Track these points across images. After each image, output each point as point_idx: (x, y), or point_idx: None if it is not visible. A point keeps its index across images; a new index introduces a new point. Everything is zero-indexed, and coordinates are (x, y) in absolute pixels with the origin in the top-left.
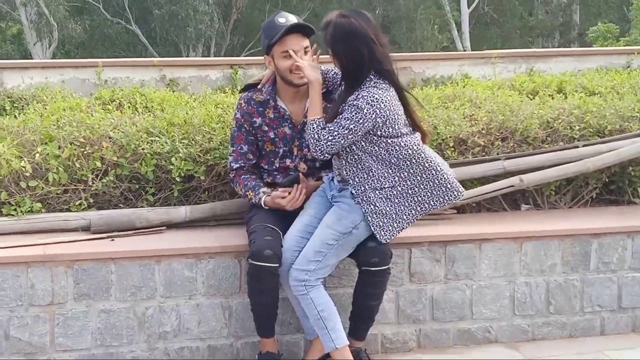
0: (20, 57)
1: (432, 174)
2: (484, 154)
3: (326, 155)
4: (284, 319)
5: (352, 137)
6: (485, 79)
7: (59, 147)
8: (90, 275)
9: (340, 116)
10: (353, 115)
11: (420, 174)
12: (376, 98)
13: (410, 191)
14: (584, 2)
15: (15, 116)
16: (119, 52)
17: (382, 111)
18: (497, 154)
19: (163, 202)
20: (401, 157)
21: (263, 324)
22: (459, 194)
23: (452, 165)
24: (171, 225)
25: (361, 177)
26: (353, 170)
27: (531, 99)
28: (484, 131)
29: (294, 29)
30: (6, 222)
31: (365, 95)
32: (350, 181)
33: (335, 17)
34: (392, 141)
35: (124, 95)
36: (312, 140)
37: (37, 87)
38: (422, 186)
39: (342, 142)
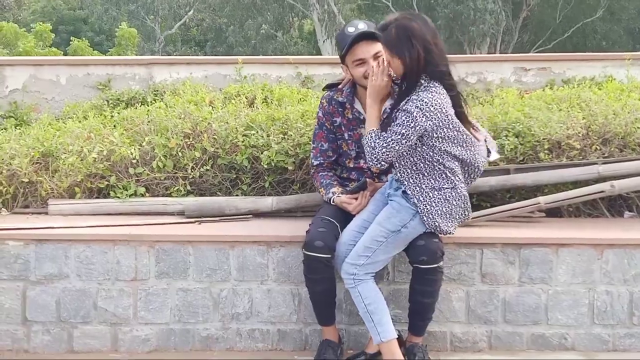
0: (309, 53)
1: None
2: (581, 157)
3: (382, 163)
4: (352, 309)
5: (405, 142)
6: (629, 81)
7: (166, 138)
8: (170, 255)
9: (394, 123)
10: (404, 121)
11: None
12: (425, 102)
13: (464, 192)
14: None
15: (136, 107)
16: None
17: (431, 114)
18: (597, 158)
19: (258, 192)
20: (454, 164)
21: (320, 313)
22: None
23: (544, 168)
24: (259, 214)
25: (417, 179)
26: (408, 172)
27: None
28: (581, 135)
29: (361, 38)
30: (112, 204)
31: (415, 99)
32: (405, 182)
33: (398, 18)
34: (446, 150)
35: (250, 91)
36: (368, 149)
37: (182, 81)
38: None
39: (397, 148)
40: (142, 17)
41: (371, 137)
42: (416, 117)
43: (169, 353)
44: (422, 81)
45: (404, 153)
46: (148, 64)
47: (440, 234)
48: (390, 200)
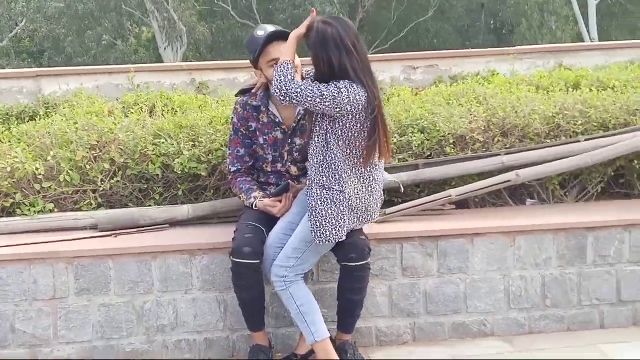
0: (152, 62)
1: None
2: (484, 150)
3: (286, 99)
4: (278, 312)
5: (318, 103)
6: (513, 75)
7: (72, 151)
8: (90, 271)
9: (321, 84)
10: (331, 89)
11: (368, 187)
12: (355, 88)
13: (356, 201)
14: None
15: (36, 121)
16: (247, 54)
17: (354, 101)
18: (499, 149)
19: (171, 201)
20: (347, 167)
21: (251, 319)
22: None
23: (451, 162)
24: (175, 223)
25: (313, 172)
26: (311, 161)
27: (542, 94)
28: (483, 128)
29: (273, 38)
30: (19, 222)
31: (349, 83)
32: (309, 173)
33: (317, 22)
34: (350, 142)
35: (148, 99)
36: (281, 78)
37: (73, 93)
38: (366, 199)
39: (308, 99)
40: None
41: (287, 68)
42: (342, 92)
43: None
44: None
45: (315, 143)
46: (36, 77)
47: (316, 240)
48: None
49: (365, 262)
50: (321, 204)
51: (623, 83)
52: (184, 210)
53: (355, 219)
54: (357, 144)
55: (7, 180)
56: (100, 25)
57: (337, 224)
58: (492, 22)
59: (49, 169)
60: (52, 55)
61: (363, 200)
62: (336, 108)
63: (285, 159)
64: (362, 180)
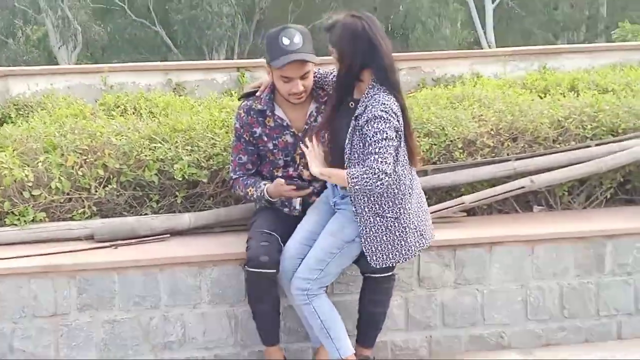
0: (45, 61)
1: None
2: (493, 155)
3: (387, 176)
4: (290, 326)
5: (391, 144)
6: (497, 77)
7: (62, 155)
8: (93, 285)
9: (367, 138)
10: (378, 126)
11: (419, 206)
12: (386, 104)
13: (412, 225)
14: None
15: (19, 124)
16: (143, 54)
17: (395, 115)
18: (507, 154)
19: (167, 209)
20: (404, 187)
21: (265, 332)
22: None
23: (460, 167)
24: (175, 233)
25: (362, 200)
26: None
27: (542, 98)
28: (492, 132)
29: (295, 60)
30: (9, 232)
31: (374, 104)
32: (352, 199)
33: (344, 17)
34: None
35: (128, 101)
36: (367, 179)
37: (42, 93)
38: (421, 219)
39: (390, 151)
40: None
41: (356, 174)
42: (387, 119)
43: None
44: (373, 83)
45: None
46: (3, 76)
47: (374, 264)
48: (339, 209)
49: (390, 273)
50: (375, 230)
51: (622, 86)
52: (185, 219)
53: (416, 242)
54: (404, 159)
55: None
56: None
57: (394, 248)
58: (385, 25)
59: (37, 176)
60: None
61: (415, 219)
62: (399, 137)
63: (298, 162)
64: (410, 199)
